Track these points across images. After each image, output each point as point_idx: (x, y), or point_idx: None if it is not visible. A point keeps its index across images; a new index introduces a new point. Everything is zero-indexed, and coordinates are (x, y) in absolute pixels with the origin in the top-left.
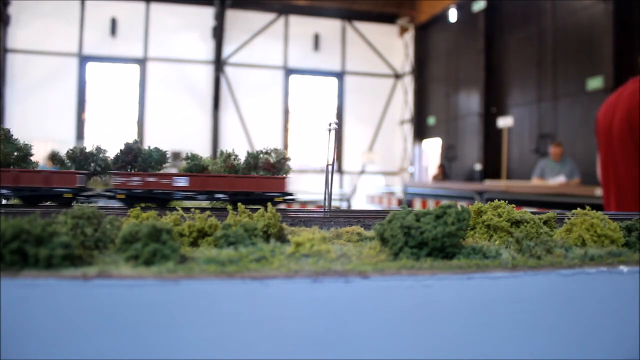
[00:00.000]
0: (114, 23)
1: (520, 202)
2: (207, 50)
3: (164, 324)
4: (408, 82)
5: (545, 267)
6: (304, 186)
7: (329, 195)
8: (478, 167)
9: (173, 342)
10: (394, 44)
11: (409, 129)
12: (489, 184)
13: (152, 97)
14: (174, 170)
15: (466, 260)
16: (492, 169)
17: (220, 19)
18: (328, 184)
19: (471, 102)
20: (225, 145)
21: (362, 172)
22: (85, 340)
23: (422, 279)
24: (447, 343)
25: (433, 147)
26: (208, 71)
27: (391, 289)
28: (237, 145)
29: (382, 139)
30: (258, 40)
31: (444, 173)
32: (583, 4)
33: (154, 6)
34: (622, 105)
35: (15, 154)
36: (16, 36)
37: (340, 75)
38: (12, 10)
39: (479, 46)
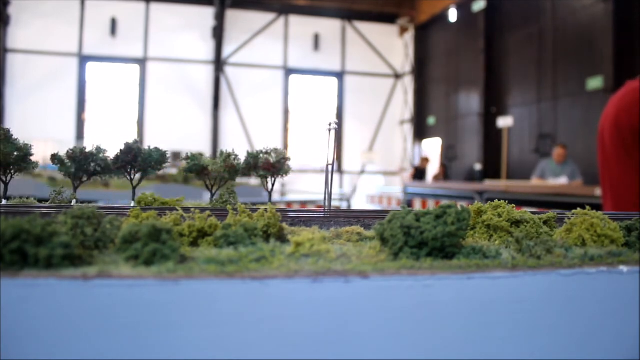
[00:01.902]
0: (114, 23)
1: (520, 202)
2: (207, 50)
3: (164, 324)
4: (408, 82)
5: (545, 267)
6: (304, 186)
7: (329, 195)
8: (478, 167)
9: (173, 342)
10: (394, 44)
11: (409, 129)
12: (489, 184)
13: (152, 97)
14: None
15: (466, 260)
16: (492, 169)
17: (220, 19)
18: (328, 184)
19: (471, 102)
20: (225, 145)
21: (362, 172)
22: (85, 340)
23: (422, 279)
24: (447, 343)
25: (433, 147)
26: (208, 71)
27: (391, 289)
28: (237, 145)
29: (382, 139)
30: (258, 40)
31: (445, 173)
32: (583, 4)
33: (154, 6)
34: (612, 109)
35: (15, 154)
36: (16, 36)
37: (340, 75)
38: (12, 10)
39: (479, 46)
